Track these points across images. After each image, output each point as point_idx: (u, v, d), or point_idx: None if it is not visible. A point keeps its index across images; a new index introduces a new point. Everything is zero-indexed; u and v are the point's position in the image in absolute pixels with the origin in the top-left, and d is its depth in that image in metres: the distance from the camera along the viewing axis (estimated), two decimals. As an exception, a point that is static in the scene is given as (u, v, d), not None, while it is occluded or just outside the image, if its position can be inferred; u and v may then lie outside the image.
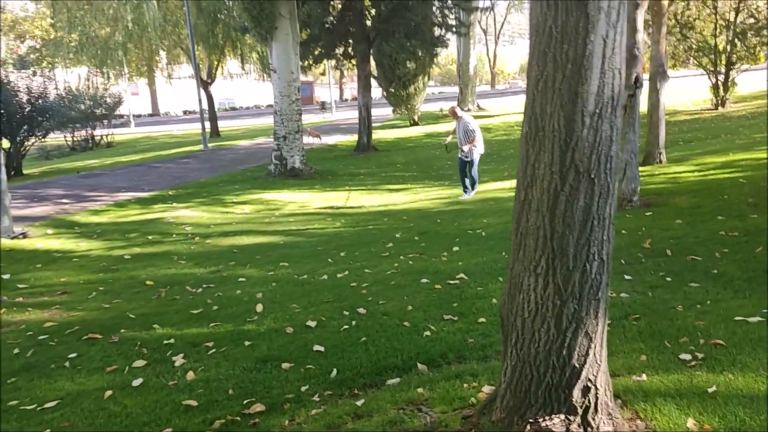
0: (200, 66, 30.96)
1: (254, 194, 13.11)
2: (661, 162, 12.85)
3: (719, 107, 23.41)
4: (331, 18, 19.50)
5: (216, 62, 30.24)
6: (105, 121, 32.38)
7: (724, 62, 22.88)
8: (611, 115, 2.30)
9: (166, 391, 3.78)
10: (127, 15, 25.76)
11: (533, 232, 2.41)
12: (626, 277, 5.31)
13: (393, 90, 28.06)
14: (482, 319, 4.52)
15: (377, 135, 26.55)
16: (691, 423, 2.68)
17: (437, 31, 21.03)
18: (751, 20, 22.39)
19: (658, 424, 2.67)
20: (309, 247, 8.11)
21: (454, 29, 21.34)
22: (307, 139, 23.43)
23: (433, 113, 32.32)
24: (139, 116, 53.83)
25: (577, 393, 2.44)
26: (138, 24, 26.00)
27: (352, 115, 31.96)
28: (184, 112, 52.14)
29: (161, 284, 6.62)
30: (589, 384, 2.45)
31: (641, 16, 8.61)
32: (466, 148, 11.01)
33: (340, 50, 20.83)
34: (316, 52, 20.17)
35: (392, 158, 19.31)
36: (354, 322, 4.72)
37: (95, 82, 32.89)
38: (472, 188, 11.59)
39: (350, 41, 19.98)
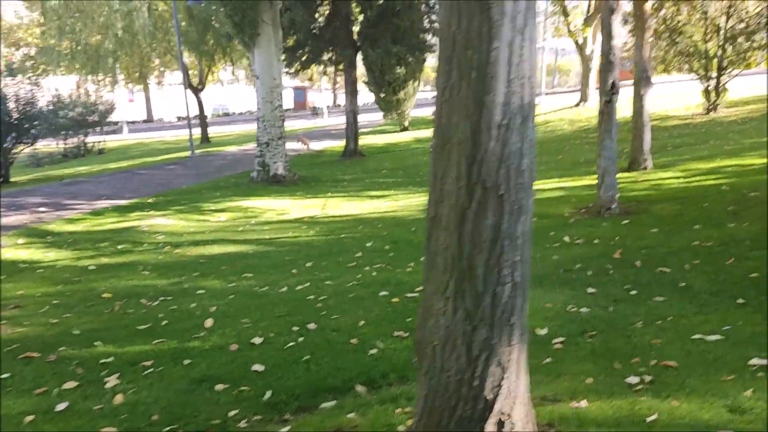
0: (191, 72, 30.83)
1: (234, 201, 12.91)
2: (646, 168, 12.67)
3: (711, 112, 23.22)
4: (318, 24, 19.32)
5: (207, 69, 30.07)
6: (97, 128, 32.25)
7: (715, 67, 22.74)
8: (521, 126, 2.11)
9: (89, 416, 3.57)
10: (117, 23, 25.57)
11: (442, 252, 2.22)
12: (590, 290, 5.12)
13: (383, 95, 27.89)
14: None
15: (367, 140, 26.40)
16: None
17: (427, 37, 20.82)
18: (742, 25, 22.24)
19: (586, 458, 2.48)
20: (278, 257, 7.91)
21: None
22: (296, 145, 23.28)
23: (426, 118, 32.14)
24: (133, 123, 53.61)
25: (490, 427, 2.24)
26: (128, 31, 25.81)
27: (342, 120, 31.78)
28: (178, 118, 51.90)
29: (119, 297, 6.41)
30: (504, 417, 2.25)
31: (617, 22, 8.43)
32: None
33: (327, 56, 20.63)
34: (303, 58, 19.98)
35: (379, 164, 19.12)
36: (301, 339, 4.52)
37: (87, 89, 32.77)
38: None
39: (336, 47, 19.79)
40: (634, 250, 6.34)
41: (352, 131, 20.62)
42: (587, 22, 28.42)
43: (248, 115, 52.05)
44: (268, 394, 3.63)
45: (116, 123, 39.17)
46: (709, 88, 23.21)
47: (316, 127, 35.73)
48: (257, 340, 4.57)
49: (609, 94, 8.54)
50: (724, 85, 23.35)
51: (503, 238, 2.14)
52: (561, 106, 30.32)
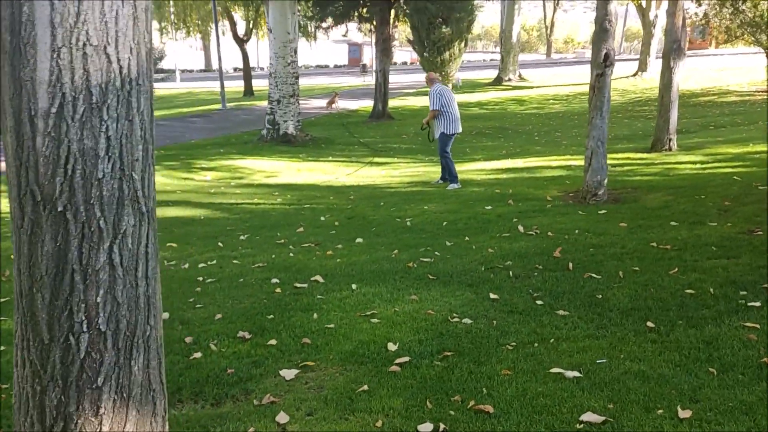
0: (235, 23, 30.53)
1: (230, 160, 12.57)
2: (670, 149, 11.58)
3: (776, 89, 21.33)
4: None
5: (250, 20, 29.66)
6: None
7: (785, 40, 20.76)
8: (91, 116, 1.51)
9: None
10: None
11: (15, 284, 1.67)
12: (493, 296, 4.46)
13: (427, 55, 26.90)
14: (273, 341, 3.79)
15: (406, 102, 25.62)
16: None
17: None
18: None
19: None
20: (221, 225, 7.50)
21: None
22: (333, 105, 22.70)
23: (475, 81, 30.95)
24: (191, 71, 54.24)
25: None
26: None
27: (394, 79, 30.90)
28: (234, 69, 52.06)
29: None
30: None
31: (614, -18, 7.45)
32: (425, 122, 9.90)
33: (361, 11, 19.82)
34: (333, 14, 19.27)
35: (403, 128, 18.42)
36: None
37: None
38: (441, 177, 9.94)
39: (368, 2, 18.97)
40: (581, 248, 5.59)
41: (380, 92, 19.93)
42: (650, -16, 26.49)
43: (303, 69, 51.67)
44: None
45: (166, 71, 39.41)
46: (776, 63, 21.26)
47: (363, 85, 34.99)
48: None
49: (601, 66, 7.62)
50: (792, 60, 21.36)
51: (72, 271, 1.56)
52: (618, 75, 28.54)
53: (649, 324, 3.84)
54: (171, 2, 29.05)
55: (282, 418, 2.87)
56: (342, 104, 23.64)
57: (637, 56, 31.81)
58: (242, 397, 3.16)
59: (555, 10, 52.41)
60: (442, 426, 2.70)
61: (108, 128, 1.54)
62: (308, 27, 36.12)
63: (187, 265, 5.69)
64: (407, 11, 19.08)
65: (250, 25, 30.36)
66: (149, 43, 1.60)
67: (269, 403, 3.05)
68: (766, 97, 20.53)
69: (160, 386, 1.82)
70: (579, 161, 11.18)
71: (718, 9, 21.81)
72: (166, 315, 4.33)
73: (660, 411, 2.77)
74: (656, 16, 26.55)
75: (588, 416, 2.72)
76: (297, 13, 14.97)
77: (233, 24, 30.06)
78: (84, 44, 1.48)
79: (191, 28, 38.24)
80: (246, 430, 2.78)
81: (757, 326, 3.69)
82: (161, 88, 36.18)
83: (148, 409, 1.76)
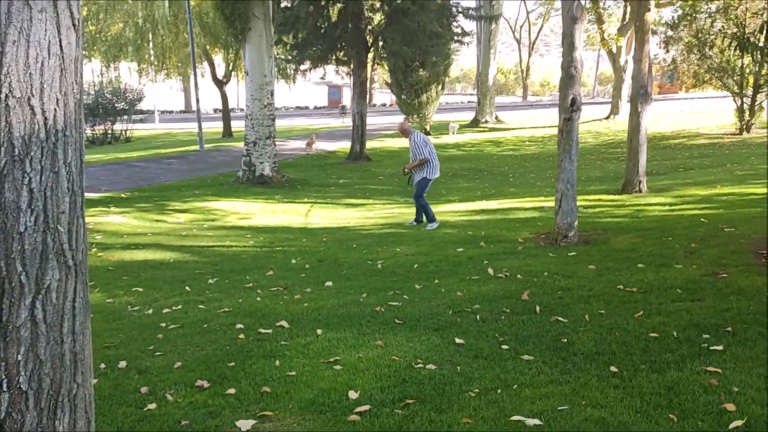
0: (215, 65, 30.73)
1: (204, 202, 12.49)
2: (640, 191, 11.75)
3: (743, 132, 21.81)
4: (325, 21, 18.79)
5: (231, 62, 29.89)
6: (125, 116, 32.43)
7: (750, 84, 21.32)
8: (13, 168, 1.48)
9: None
10: (138, 11, 25.58)
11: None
12: (458, 340, 4.42)
13: (405, 97, 27.27)
14: (232, 390, 3.71)
15: (384, 143, 25.82)
16: None
17: (441, 40, 20.07)
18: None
19: None
20: (191, 269, 7.40)
21: (455, 37, 20.41)
22: (312, 146, 22.79)
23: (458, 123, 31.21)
24: (170, 112, 54.35)
25: None
26: (149, 21, 25.79)
27: (373, 121, 31.14)
28: (214, 110, 52.25)
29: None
30: None
31: (579, 32, 7.65)
32: (408, 168, 9.91)
33: (338, 54, 20.08)
34: (312, 57, 19.50)
35: (380, 169, 18.51)
36: (97, 381, 3.96)
37: (117, 77, 33.07)
38: (416, 219, 10.00)
39: (346, 46, 19.23)
40: (550, 291, 5.59)
41: (358, 134, 20.07)
42: (621, 31, 27.21)
43: (283, 110, 52.02)
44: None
45: (145, 112, 39.39)
46: (744, 106, 21.79)
47: (342, 127, 35.23)
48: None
49: (569, 111, 7.76)
50: (760, 104, 21.92)
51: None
52: (590, 118, 29.09)
53: (613, 369, 3.83)
54: (150, 45, 29.16)
55: (233, 471, 2.79)
56: (320, 146, 23.77)
57: (610, 100, 32.46)
58: (195, 450, 3.07)
59: (530, 54, 53.62)
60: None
61: (31, 180, 1.51)
62: (287, 69, 36.60)
63: (151, 311, 5.59)
64: (384, 54, 19.36)
65: (230, 67, 30.58)
66: (78, 93, 1.58)
67: (222, 455, 2.97)
68: (734, 139, 20.99)
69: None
70: (551, 203, 11.26)
71: (685, 55, 22.41)
72: (123, 364, 4.24)
73: (618, 460, 2.74)
74: (626, 61, 27.19)
75: (544, 467, 2.68)
76: (273, 57, 15.11)
77: (213, 66, 30.27)
78: (6, 96, 1.46)
79: (170, 70, 38.47)
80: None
81: (719, 371, 3.69)
82: (140, 129, 36.11)
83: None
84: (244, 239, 9.26)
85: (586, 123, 27.35)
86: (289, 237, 9.32)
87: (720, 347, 4.05)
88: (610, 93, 53.79)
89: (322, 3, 18.46)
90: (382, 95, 60.00)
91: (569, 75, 7.70)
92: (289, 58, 20.50)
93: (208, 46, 27.95)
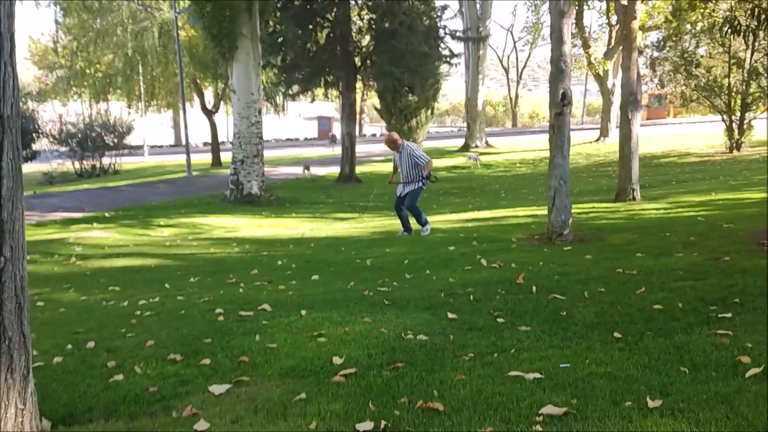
0: (203, 95, 30.73)
1: (190, 218, 12.23)
2: (634, 198, 11.58)
3: (733, 151, 21.79)
4: (313, 43, 18.79)
5: (219, 92, 29.88)
6: (114, 150, 32.23)
7: (738, 104, 21.37)
8: None
9: None
10: (128, 42, 25.61)
11: None
12: (451, 315, 4.16)
13: (394, 122, 27.26)
14: (207, 361, 3.43)
15: (372, 168, 25.67)
16: None
17: (428, 61, 20.09)
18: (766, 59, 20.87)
19: None
20: (171, 271, 7.13)
21: (444, 58, 20.45)
22: (296, 170, 22.66)
23: (443, 148, 31.18)
24: (160, 146, 54.25)
25: None
26: (138, 51, 25.80)
27: (363, 149, 31.03)
28: (204, 144, 52.25)
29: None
30: None
31: (567, 26, 7.53)
32: (424, 173, 9.19)
33: (327, 78, 20.01)
34: (300, 80, 19.45)
35: (369, 190, 18.28)
36: (62, 359, 3.67)
37: (106, 111, 32.97)
38: (405, 230, 9.37)
39: (334, 68, 19.20)
40: (546, 276, 5.35)
41: (347, 156, 19.93)
42: (608, 55, 27.43)
43: (273, 142, 52.00)
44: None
45: (134, 147, 39.22)
46: (733, 125, 21.81)
47: (332, 155, 35.13)
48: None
49: (559, 105, 7.60)
50: (749, 122, 21.94)
51: None
52: (581, 141, 29.12)
53: (616, 335, 3.58)
54: (141, 74, 29.15)
55: (201, 425, 2.51)
56: (312, 170, 23.63)
57: (599, 126, 32.58)
58: (162, 413, 2.78)
59: (518, 82, 54.09)
60: (383, 423, 2.37)
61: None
62: (276, 99, 36.61)
63: (126, 303, 5.30)
64: (372, 74, 19.34)
65: (219, 97, 30.56)
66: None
67: (190, 415, 2.68)
68: (725, 157, 20.96)
69: (20, 337, 1.50)
70: (545, 211, 11.11)
71: (672, 75, 22.52)
72: (91, 344, 3.95)
73: (628, 403, 2.48)
74: (614, 84, 27.35)
75: (548, 409, 2.42)
76: (260, 75, 15.02)
77: (202, 95, 30.25)
78: None
79: (160, 101, 38.41)
80: (158, 439, 2.41)
81: (729, 333, 3.45)
82: (129, 162, 35.89)
83: (1, 361, 1.44)
84: (229, 247, 8.99)
85: (577, 145, 27.34)
86: (276, 244, 9.06)
87: (728, 315, 3.82)
88: (597, 122, 54.30)
89: (310, 27, 18.46)
90: (372, 128, 60.27)
91: (559, 69, 7.56)
92: (279, 81, 20.40)
93: (197, 75, 27.92)
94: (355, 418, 2.47)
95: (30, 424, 1.60)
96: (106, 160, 32.41)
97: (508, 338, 3.63)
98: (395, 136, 9.57)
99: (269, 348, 3.60)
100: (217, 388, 2.99)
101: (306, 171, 22.71)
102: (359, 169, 21.92)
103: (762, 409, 2.35)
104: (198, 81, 29.92)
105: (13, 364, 1.49)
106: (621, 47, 11.69)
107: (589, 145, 28.39)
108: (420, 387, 2.81)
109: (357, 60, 19.72)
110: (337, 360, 3.31)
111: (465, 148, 29.84)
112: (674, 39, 21.86)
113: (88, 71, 30.19)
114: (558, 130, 7.68)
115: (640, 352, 3.22)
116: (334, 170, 24.44)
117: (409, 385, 2.85)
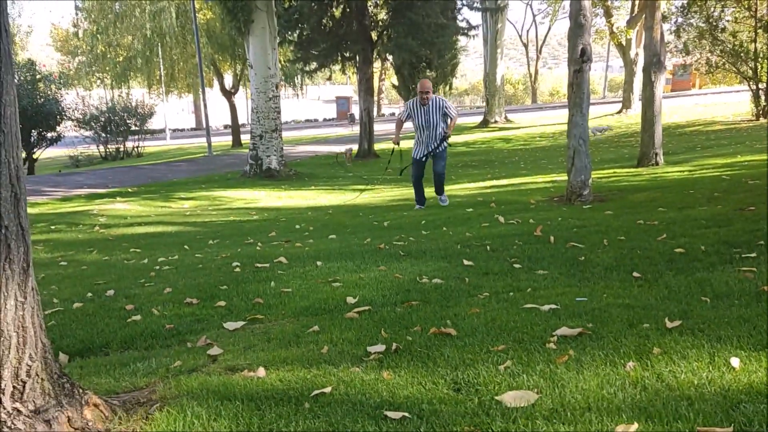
0: (223, 77, 30.78)
1: (211, 192, 12.29)
2: (657, 164, 11.35)
3: (760, 118, 21.29)
4: (328, 17, 18.66)
5: (237, 74, 29.91)
6: (137, 134, 32.51)
7: (765, 70, 20.84)
8: None
9: None
10: (146, 23, 25.68)
11: None
12: (467, 263, 4.11)
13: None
14: (222, 303, 3.43)
15: (391, 145, 25.54)
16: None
17: (445, 34, 19.84)
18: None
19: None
20: (191, 236, 7.17)
21: (461, 30, 20.21)
22: (313, 147, 22.59)
23: (461, 125, 30.88)
24: (181, 130, 54.61)
25: None
26: (156, 32, 25.86)
27: (381, 127, 30.92)
28: (224, 126, 52.45)
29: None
30: None
31: (586, -23, 7.36)
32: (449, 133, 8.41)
33: (344, 53, 19.88)
34: (317, 54, 19.35)
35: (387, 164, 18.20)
36: (82, 305, 3.70)
37: (128, 94, 33.19)
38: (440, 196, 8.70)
39: (350, 43, 19.07)
40: (564, 228, 5.28)
41: (366, 131, 19.85)
42: (630, 24, 26.89)
43: (293, 123, 52.04)
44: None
45: (156, 131, 39.51)
46: (760, 92, 21.30)
47: (351, 133, 35.08)
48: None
49: (579, 62, 7.46)
50: (776, 88, 21.40)
51: None
52: (602, 113, 28.71)
53: (636, 275, 3.52)
54: (160, 56, 29.23)
55: (215, 351, 2.50)
56: (329, 148, 23.59)
57: (621, 99, 32.06)
58: (177, 345, 2.79)
59: (538, 57, 53.40)
60: (395, 345, 2.34)
61: None
62: (296, 79, 36.55)
63: (146, 261, 5.34)
64: (389, 48, 19.16)
65: (238, 78, 30.60)
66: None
67: (204, 344, 2.69)
68: (751, 125, 20.50)
69: (17, 228, 1.49)
70: (565, 176, 10.97)
71: (697, 41, 22.04)
72: (111, 292, 3.98)
73: (645, 325, 2.42)
74: (636, 54, 26.84)
75: (563, 330, 2.38)
76: (276, 49, 14.96)
77: (221, 77, 30.30)
78: None
79: (180, 84, 38.55)
80: (172, 363, 2.41)
81: (754, 269, 3.36)
82: (151, 145, 36.18)
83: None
84: (248, 215, 9.02)
85: (598, 118, 27.00)
86: (293, 213, 9.07)
87: (753, 254, 3.73)
88: (620, 97, 53.49)
89: (326, 1, 18.32)
90: (389, 109, 60.03)
91: (578, 24, 7.41)
92: (296, 57, 20.30)
93: (215, 57, 27.93)
94: (367, 343, 2.44)
95: (31, 319, 1.59)
96: (129, 144, 32.73)
97: (524, 280, 3.58)
98: (427, 84, 8.26)
99: (284, 292, 3.59)
100: (231, 325, 2.99)
101: (347, 155, 22.34)
102: (378, 146, 21.84)
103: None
104: (217, 63, 29.96)
105: (11, 255, 1.48)
106: (644, 14, 11.45)
107: (611, 117, 27.96)
108: (433, 319, 2.77)
109: (374, 34, 19.56)
110: (351, 300, 3.29)
111: (484, 123, 29.58)
112: (699, 3, 21.34)
113: (108, 55, 30.40)
114: (577, 87, 7.55)
115: (660, 287, 3.16)
116: (354, 147, 24.39)
117: (422, 317, 2.82)
